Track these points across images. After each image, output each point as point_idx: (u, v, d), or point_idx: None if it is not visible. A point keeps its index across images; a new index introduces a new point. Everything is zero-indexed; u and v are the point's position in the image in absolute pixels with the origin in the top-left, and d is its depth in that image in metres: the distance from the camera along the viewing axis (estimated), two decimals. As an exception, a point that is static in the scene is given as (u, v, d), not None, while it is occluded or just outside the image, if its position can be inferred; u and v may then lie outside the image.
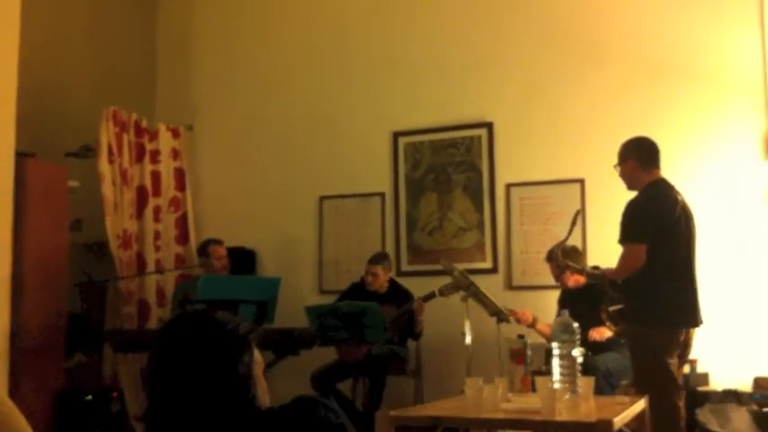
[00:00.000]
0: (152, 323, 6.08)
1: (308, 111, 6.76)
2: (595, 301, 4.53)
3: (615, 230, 4.37)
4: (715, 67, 5.61)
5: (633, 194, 4.31)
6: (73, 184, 5.66)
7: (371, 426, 2.88)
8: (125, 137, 6.27)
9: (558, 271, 5.07)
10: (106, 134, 6.01)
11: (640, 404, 3.51)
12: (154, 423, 1.94)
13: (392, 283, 5.84)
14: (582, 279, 4.92)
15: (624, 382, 4.61)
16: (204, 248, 5.94)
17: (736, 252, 5.40)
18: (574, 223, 4.43)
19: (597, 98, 5.88)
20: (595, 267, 4.68)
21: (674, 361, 4.11)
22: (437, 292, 5.25)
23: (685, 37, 5.69)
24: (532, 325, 5.27)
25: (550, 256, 4.89)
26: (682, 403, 4.05)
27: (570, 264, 4.61)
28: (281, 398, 2.08)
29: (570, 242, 4.70)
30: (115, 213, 6.02)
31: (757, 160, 5.47)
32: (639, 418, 3.58)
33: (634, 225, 4.13)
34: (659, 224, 4.11)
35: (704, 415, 4.45)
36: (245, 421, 1.91)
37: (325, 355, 5.49)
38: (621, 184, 4.38)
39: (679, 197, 4.23)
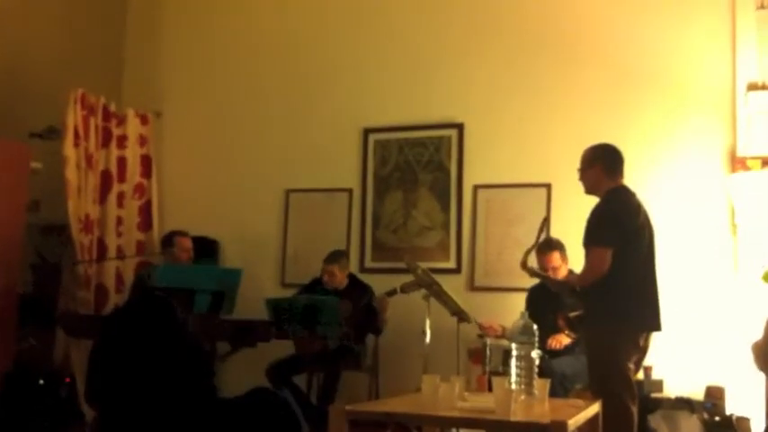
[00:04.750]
0: (109, 309, 6.01)
1: (279, 103, 6.73)
2: (558, 304, 4.57)
3: (580, 236, 4.40)
4: (683, 78, 5.66)
5: (597, 200, 4.35)
6: (35, 165, 5.59)
7: (325, 420, 2.86)
8: (92, 120, 6.21)
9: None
10: (73, 117, 5.94)
11: (594, 407, 3.54)
12: (108, 408, 1.91)
13: (351, 278, 5.83)
14: (561, 267, 4.94)
15: (578, 387, 4.65)
16: (169, 239, 5.86)
17: (695, 262, 5.46)
18: (541, 230, 4.45)
19: (566, 104, 5.91)
20: (571, 272, 4.73)
21: (631, 365, 4.15)
22: (399, 289, 5.27)
23: (655, 46, 5.74)
24: (502, 336, 5.24)
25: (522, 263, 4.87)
26: (635, 408, 4.09)
27: (536, 271, 4.63)
28: (237, 389, 2.07)
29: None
30: (78, 197, 5.95)
31: (721, 173, 5.53)
32: (593, 421, 3.60)
33: (600, 229, 4.16)
34: (624, 230, 4.15)
35: (656, 421, 4.49)
36: (202, 409, 1.89)
37: (282, 348, 5.47)
38: (588, 190, 4.42)
39: (641, 205, 4.28)
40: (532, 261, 4.62)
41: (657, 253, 4.32)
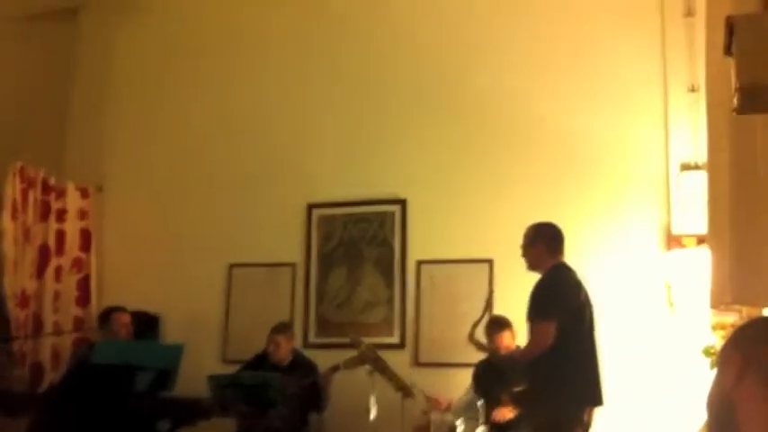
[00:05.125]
0: (44, 386, 5.83)
1: (222, 178, 6.73)
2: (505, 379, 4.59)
3: (522, 311, 4.46)
4: (621, 159, 5.83)
5: (539, 277, 4.43)
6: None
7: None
8: (31, 193, 6.14)
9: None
10: (12, 189, 5.87)
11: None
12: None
13: (295, 354, 5.77)
14: (512, 345, 4.96)
15: (524, 462, 4.63)
16: (107, 315, 5.71)
17: (634, 338, 5.53)
18: (488, 303, 4.50)
19: (508, 181, 6.02)
20: (517, 347, 4.76)
21: None
22: (342, 365, 5.22)
23: (594, 129, 5.89)
24: (447, 409, 5.22)
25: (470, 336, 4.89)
26: None
27: (482, 344, 4.65)
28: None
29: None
30: (15, 272, 5.83)
31: (658, 251, 5.66)
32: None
33: (544, 304, 4.24)
34: (567, 305, 4.24)
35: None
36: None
37: (222, 427, 5.34)
38: (529, 266, 4.50)
39: (581, 282, 4.38)
40: (479, 335, 4.66)
41: (598, 329, 4.39)
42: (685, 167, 5.65)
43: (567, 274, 4.36)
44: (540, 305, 4.25)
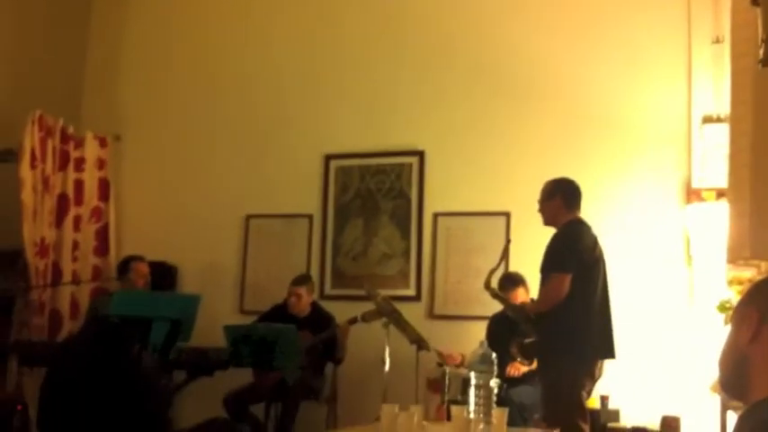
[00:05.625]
0: (63, 336, 5.90)
1: (240, 128, 6.71)
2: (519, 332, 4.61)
3: (537, 265, 4.45)
4: (640, 112, 5.75)
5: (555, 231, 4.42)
6: (-9, 187, 5.50)
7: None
8: (50, 142, 6.14)
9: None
10: (30, 138, 5.88)
11: (552, 438, 3.55)
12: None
13: (314, 306, 5.79)
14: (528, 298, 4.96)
15: (537, 416, 4.66)
16: (125, 265, 5.76)
17: (651, 293, 5.52)
18: (505, 252, 4.49)
19: (525, 135, 5.97)
20: (531, 300, 4.76)
21: (585, 393, 4.20)
22: (360, 318, 5.24)
23: (612, 80, 5.81)
24: (461, 364, 5.24)
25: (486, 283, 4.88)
26: None
27: (497, 293, 4.66)
28: (194, 418, 2.04)
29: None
30: (34, 221, 5.86)
31: (676, 205, 5.61)
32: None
33: (561, 256, 4.23)
34: (582, 258, 4.23)
35: (612, 451, 4.53)
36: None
37: (240, 377, 5.40)
38: (545, 220, 4.49)
39: (596, 239, 4.38)
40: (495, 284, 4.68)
41: (615, 284, 4.40)
42: (707, 120, 5.57)
43: (583, 230, 4.35)
44: (557, 258, 4.24)
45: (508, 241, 4.61)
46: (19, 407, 5.11)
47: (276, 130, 6.59)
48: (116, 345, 1.94)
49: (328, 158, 6.45)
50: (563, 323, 4.17)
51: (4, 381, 5.50)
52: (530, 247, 4.97)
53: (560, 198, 4.41)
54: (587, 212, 4.55)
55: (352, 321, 5.36)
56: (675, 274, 5.52)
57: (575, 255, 4.23)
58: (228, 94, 6.79)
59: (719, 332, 4.98)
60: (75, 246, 6.30)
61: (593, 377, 4.26)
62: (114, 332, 2.00)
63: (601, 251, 4.37)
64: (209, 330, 5.37)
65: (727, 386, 1.62)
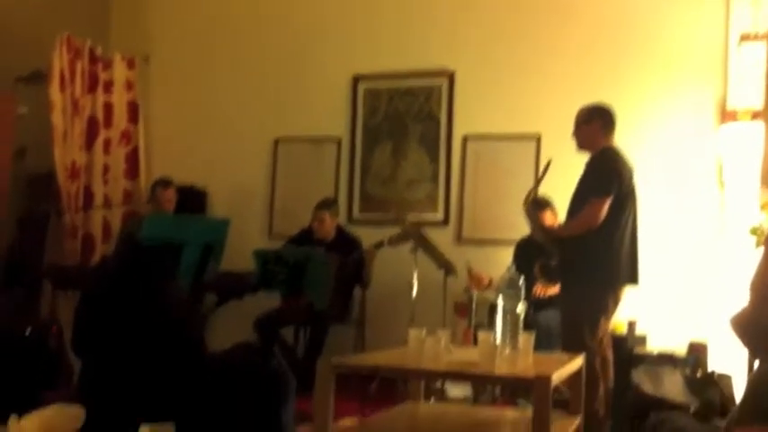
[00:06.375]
0: (96, 259, 5.99)
1: (268, 49, 6.63)
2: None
3: (567, 188, 4.41)
4: (676, 31, 5.60)
5: (587, 155, 4.37)
6: (22, 109, 5.51)
7: (312, 374, 2.88)
8: (78, 64, 6.13)
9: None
10: (59, 60, 5.87)
11: (578, 361, 3.57)
12: (94, 358, 1.90)
13: (339, 230, 5.81)
14: (554, 224, 4.94)
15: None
16: (154, 189, 5.84)
17: (682, 216, 5.48)
18: (545, 171, 4.45)
19: (558, 57, 5.84)
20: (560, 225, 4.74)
21: (605, 319, 4.24)
22: (386, 242, 5.25)
23: (650, 4, 5.66)
24: (488, 286, 5.26)
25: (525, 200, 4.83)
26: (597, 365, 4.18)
27: (531, 212, 4.62)
28: (224, 341, 2.07)
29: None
30: (64, 143, 5.90)
31: (710, 126, 5.51)
32: (576, 375, 3.64)
33: (602, 180, 4.20)
34: (621, 186, 4.19)
35: (638, 376, 4.54)
36: (190, 365, 1.88)
37: (269, 301, 5.48)
38: (577, 144, 4.43)
39: (632, 167, 4.33)
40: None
41: (645, 208, 4.37)
42: (745, 38, 5.43)
43: (622, 157, 4.30)
44: (597, 182, 4.20)
45: (549, 161, 4.54)
46: (54, 329, 5.24)
47: (305, 52, 6.51)
48: (151, 268, 1.96)
49: (356, 80, 6.38)
50: (590, 248, 4.15)
51: (39, 304, 5.64)
52: (560, 171, 4.91)
53: (598, 122, 4.34)
54: (617, 134, 4.47)
55: (378, 245, 5.38)
56: (707, 198, 5.46)
57: (615, 180, 4.19)
58: (257, 15, 6.70)
59: (750, 257, 4.94)
60: (106, 169, 6.34)
61: (616, 303, 4.27)
62: (149, 255, 2.02)
63: (635, 184, 4.33)
64: (239, 254, 5.44)
65: (758, 309, 1.61)
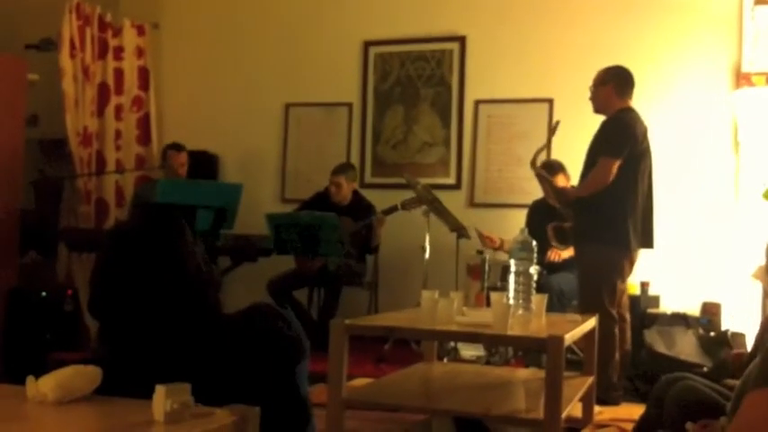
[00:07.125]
0: (110, 223, 6.03)
1: (279, 15, 6.60)
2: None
3: (580, 151, 4.39)
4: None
5: (600, 118, 4.35)
6: (32, 77, 5.51)
7: (326, 335, 2.90)
8: (88, 31, 6.11)
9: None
10: (69, 27, 5.85)
11: (590, 323, 3.58)
12: (110, 320, 1.92)
13: (356, 195, 5.82)
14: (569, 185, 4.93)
15: (576, 303, 4.70)
16: (165, 154, 5.87)
17: (696, 178, 5.46)
18: (552, 132, 4.43)
19: (571, 20, 5.80)
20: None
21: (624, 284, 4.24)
22: (399, 206, 5.27)
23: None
24: (500, 248, 5.27)
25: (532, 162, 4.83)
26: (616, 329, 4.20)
27: (542, 173, 4.61)
28: (238, 303, 2.08)
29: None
30: (75, 110, 5.91)
31: (725, 90, 5.47)
32: (589, 336, 3.65)
33: (612, 141, 4.18)
34: (634, 147, 4.17)
35: (651, 336, 4.55)
36: (206, 326, 1.90)
37: (283, 263, 5.50)
38: (590, 107, 4.40)
39: (647, 129, 4.30)
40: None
41: (660, 171, 4.36)
42: (759, 1, 5.36)
43: (636, 118, 4.28)
44: (608, 143, 4.18)
45: (557, 122, 4.53)
46: (69, 291, 5.30)
47: (315, 17, 6.48)
48: (168, 227, 1.97)
49: (367, 45, 6.35)
50: (604, 210, 4.15)
51: (54, 267, 5.68)
52: (572, 134, 4.90)
53: (613, 85, 4.31)
54: (634, 94, 4.44)
55: (390, 211, 5.39)
56: (722, 161, 5.44)
57: (627, 142, 4.17)
58: (266, -20, 6.66)
59: (764, 219, 4.93)
60: (118, 135, 6.34)
61: (632, 265, 4.27)
62: (165, 215, 2.02)
63: (649, 143, 4.30)
64: (252, 218, 5.46)
65: None
